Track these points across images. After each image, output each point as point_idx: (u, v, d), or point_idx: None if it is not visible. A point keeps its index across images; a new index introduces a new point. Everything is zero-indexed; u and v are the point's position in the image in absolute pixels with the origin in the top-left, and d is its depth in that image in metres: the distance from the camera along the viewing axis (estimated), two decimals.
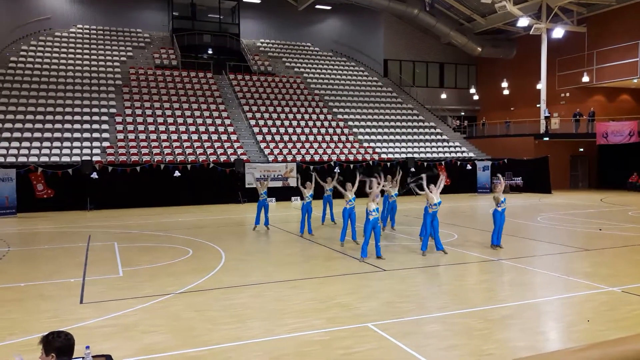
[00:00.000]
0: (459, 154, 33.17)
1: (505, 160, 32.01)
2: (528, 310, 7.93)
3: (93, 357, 3.83)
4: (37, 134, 25.95)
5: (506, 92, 38.77)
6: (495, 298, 8.67)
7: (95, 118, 28.18)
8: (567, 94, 36.25)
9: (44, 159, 24.37)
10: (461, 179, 30.71)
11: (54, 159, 24.59)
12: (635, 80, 32.60)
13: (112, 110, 29.16)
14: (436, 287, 9.40)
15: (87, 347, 3.76)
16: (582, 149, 34.78)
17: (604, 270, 10.47)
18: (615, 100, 36.27)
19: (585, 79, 33.48)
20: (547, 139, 33.05)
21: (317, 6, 41.21)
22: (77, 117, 27.87)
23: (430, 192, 12.17)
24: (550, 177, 30.44)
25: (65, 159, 24.70)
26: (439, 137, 35.10)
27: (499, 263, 11.37)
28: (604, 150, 33.90)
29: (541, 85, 34.28)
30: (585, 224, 17.51)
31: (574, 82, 34.98)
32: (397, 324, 7.22)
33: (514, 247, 13.33)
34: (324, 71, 39.93)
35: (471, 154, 33.56)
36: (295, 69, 39.04)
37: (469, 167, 31.14)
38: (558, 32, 32.86)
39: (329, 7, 42.16)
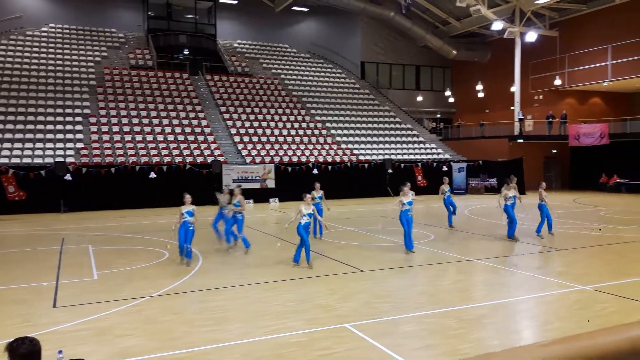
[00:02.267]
0: (434, 156, 33.51)
1: (480, 162, 32.44)
2: (502, 310, 8.06)
3: None
4: (9, 135, 25.37)
5: (481, 94, 39.33)
6: (470, 298, 8.79)
7: (69, 119, 27.69)
8: (541, 97, 36.96)
9: (15, 160, 23.83)
10: (437, 180, 30.91)
11: (26, 160, 24.07)
12: (605, 84, 33.40)
13: (86, 110, 28.67)
14: (413, 287, 9.49)
15: (60, 352, 3.69)
16: (555, 151, 35.48)
17: (576, 270, 10.70)
18: (587, 103, 37.11)
19: (558, 82, 34.18)
20: (521, 140, 33.63)
21: (294, 8, 41.21)
22: (50, 118, 27.34)
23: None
24: (524, 178, 30.96)
25: (38, 160, 24.20)
26: (415, 138, 35.41)
27: (474, 263, 11.53)
28: (576, 152, 34.64)
29: (515, 88, 34.88)
30: (558, 224, 17.85)
31: (546, 85, 35.68)
32: (374, 324, 7.27)
33: (489, 247, 13.53)
34: (301, 73, 39.93)
35: (447, 156, 33.94)
36: (273, 70, 38.97)
37: (444, 168, 31.46)
38: (531, 36, 33.48)
39: (306, 9, 42.19)
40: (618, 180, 31.75)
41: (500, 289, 9.30)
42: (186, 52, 38.77)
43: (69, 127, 27.08)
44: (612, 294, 8.73)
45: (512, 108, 35.82)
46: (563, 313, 7.83)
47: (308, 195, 11.62)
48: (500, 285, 9.57)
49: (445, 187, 17.53)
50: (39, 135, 25.99)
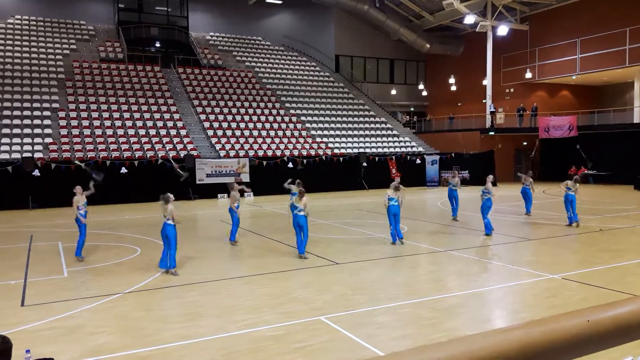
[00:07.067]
0: (408, 149, 33.76)
1: (453, 155, 32.82)
2: (475, 299, 8.19)
3: None
4: None
5: (453, 87, 39.73)
6: (443, 288, 8.91)
7: (37, 113, 26.98)
8: (512, 90, 37.53)
9: None
10: (411, 173, 31.24)
11: None
12: (574, 77, 34.09)
13: (55, 105, 27.99)
14: (387, 279, 9.56)
15: (27, 351, 3.61)
16: (525, 143, 36.10)
17: (546, 259, 10.93)
18: (556, 96, 37.83)
19: (528, 75, 34.74)
20: (492, 133, 34.12)
21: (268, 0, 40.90)
22: (17, 112, 26.60)
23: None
24: (495, 170, 31.45)
25: (4, 156, 23.54)
26: (389, 132, 35.61)
27: (447, 254, 11.67)
28: (546, 144, 35.30)
29: (487, 81, 35.34)
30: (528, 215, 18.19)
31: (517, 78, 36.24)
32: (349, 316, 7.30)
33: (461, 238, 13.71)
34: (275, 66, 39.70)
35: (420, 149, 34.23)
36: (247, 63, 38.65)
37: (418, 161, 31.76)
38: (502, 30, 33.92)
39: (279, 2, 41.89)
40: (586, 171, 32.49)
41: (473, 279, 9.44)
42: (158, 44, 38.16)
43: (36, 121, 26.40)
44: (579, 282, 8.96)
45: (484, 101, 36.29)
46: (533, 301, 8.00)
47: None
48: (473, 275, 9.72)
49: (456, 180, 17.66)
50: (6, 131, 25.27)
